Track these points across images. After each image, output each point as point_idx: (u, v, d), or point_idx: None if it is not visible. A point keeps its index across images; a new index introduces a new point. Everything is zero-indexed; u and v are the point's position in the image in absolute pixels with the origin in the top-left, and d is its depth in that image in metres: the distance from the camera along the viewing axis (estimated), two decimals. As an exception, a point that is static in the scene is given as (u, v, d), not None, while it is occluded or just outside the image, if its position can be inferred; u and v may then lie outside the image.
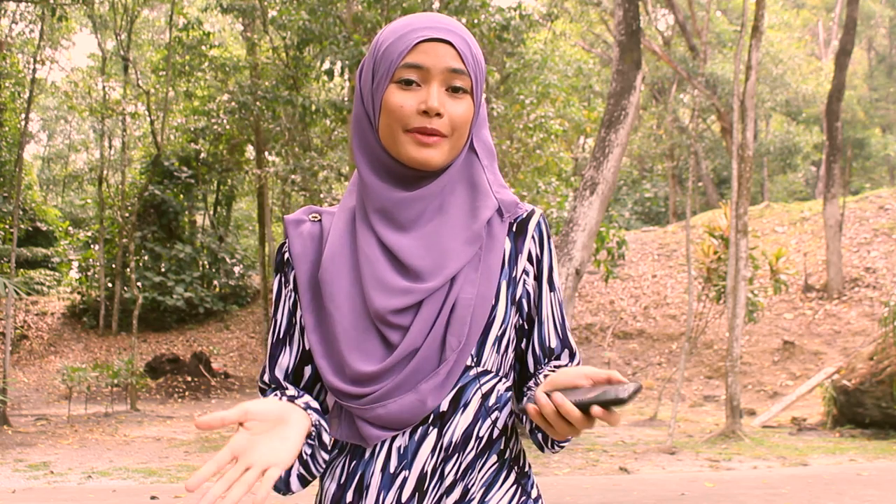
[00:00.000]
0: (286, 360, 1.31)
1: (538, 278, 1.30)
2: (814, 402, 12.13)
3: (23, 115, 19.33)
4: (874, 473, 7.40)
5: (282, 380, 1.31)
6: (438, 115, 1.21)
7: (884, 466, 7.97)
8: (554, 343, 1.31)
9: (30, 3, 16.69)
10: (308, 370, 1.31)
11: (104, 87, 21.44)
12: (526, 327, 1.30)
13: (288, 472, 1.23)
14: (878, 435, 9.99)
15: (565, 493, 6.47)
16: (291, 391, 1.27)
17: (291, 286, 1.31)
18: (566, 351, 1.32)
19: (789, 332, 16.21)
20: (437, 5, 11.68)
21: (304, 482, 1.26)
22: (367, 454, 1.25)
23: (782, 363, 15.27)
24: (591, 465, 8.41)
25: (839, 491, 6.50)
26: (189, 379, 16.67)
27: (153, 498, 6.57)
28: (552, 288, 1.31)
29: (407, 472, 1.22)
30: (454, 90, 1.23)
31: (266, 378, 1.33)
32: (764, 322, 16.27)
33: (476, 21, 11.68)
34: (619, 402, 1.05)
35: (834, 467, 7.95)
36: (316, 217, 1.33)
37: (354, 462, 1.26)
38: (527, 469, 1.32)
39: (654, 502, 6.21)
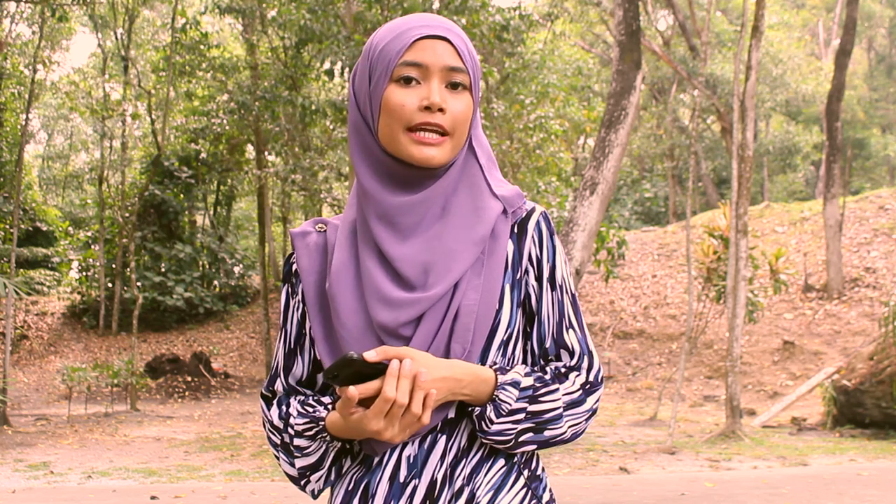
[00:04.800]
0: (299, 369, 1.33)
1: (537, 278, 1.28)
2: (814, 402, 12.13)
3: (23, 116, 19.33)
4: (874, 473, 7.40)
5: (297, 387, 1.34)
6: (441, 110, 1.20)
7: (884, 466, 7.97)
8: (548, 343, 1.27)
9: (30, 4, 16.69)
10: (321, 378, 1.33)
11: (104, 88, 21.44)
12: (528, 328, 1.29)
13: (326, 487, 1.31)
14: (878, 435, 9.99)
15: (565, 493, 6.47)
16: (309, 394, 1.32)
17: (299, 297, 1.32)
18: (564, 352, 1.27)
19: (789, 332, 16.21)
20: (437, 5, 11.68)
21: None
22: (375, 463, 1.25)
23: (782, 363, 15.27)
24: (591, 465, 8.41)
25: (839, 491, 6.50)
26: (189, 379, 16.66)
27: (153, 498, 6.56)
28: (553, 287, 1.28)
29: (417, 480, 1.21)
30: (453, 87, 1.22)
31: (278, 387, 1.34)
32: (764, 322, 16.27)
33: (476, 21, 11.67)
34: (344, 363, 1.09)
35: (834, 467, 7.95)
36: (322, 228, 1.33)
37: (363, 471, 1.27)
38: (539, 473, 1.29)
39: (654, 502, 6.21)
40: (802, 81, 26.81)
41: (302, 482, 1.31)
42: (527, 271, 1.27)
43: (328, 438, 1.25)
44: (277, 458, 1.33)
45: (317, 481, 1.30)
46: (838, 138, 17.13)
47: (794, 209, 22.12)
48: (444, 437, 1.22)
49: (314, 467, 1.28)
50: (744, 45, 10.97)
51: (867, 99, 32.95)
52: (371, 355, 1.11)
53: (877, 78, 35.15)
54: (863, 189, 28.26)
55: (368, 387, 1.12)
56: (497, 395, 1.19)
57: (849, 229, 18.94)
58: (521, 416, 1.20)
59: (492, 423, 1.19)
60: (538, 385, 1.22)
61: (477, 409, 1.20)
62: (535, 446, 1.23)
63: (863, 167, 31.98)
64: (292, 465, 1.30)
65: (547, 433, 1.22)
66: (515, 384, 1.20)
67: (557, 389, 1.23)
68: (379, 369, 1.13)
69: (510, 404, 1.19)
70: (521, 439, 1.21)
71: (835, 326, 16.01)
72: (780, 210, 22.41)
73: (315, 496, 1.32)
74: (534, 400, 1.21)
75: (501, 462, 1.25)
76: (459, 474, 1.22)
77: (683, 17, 21.40)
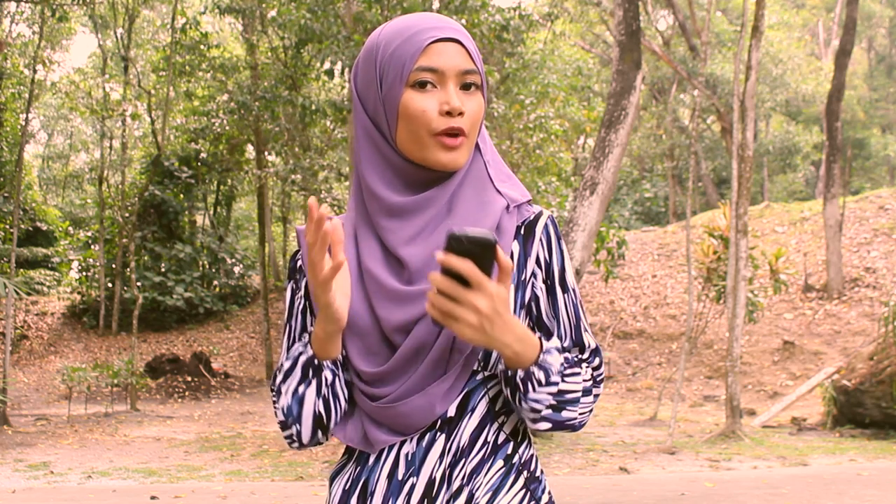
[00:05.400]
0: None
1: (548, 281, 1.28)
2: (814, 402, 12.13)
3: (23, 116, 19.33)
4: (874, 473, 7.40)
5: None
6: (461, 113, 1.21)
7: (884, 466, 7.97)
8: (566, 343, 1.29)
9: (30, 4, 16.68)
10: None
11: (104, 88, 21.45)
12: (536, 330, 1.29)
13: (300, 412, 1.23)
14: (878, 435, 9.99)
15: (565, 493, 6.47)
16: None
17: (302, 292, 1.32)
18: (577, 349, 1.30)
19: (789, 332, 16.21)
20: (437, 5, 11.68)
21: (320, 427, 1.25)
22: (372, 460, 1.25)
23: (782, 363, 15.27)
24: (591, 465, 8.41)
25: (839, 491, 6.50)
26: (189, 379, 16.66)
27: (153, 498, 6.57)
28: (565, 290, 1.29)
29: (415, 478, 1.21)
30: (466, 87, 1.23)
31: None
32: (764, 322, 16.27)
33: (476, 21, 11.67)
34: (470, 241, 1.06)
35: (834, 467, 7.95)
36: None
37: (360, 468, 1.27)
38: (538, 474, 1.29)
39: (654, 502, 6.21)
40: (802, 81, 26.82)
41: (278, 397, 1.26)
42: (533, 274, 1.28)
43: (306, 342, 1.23)
44: (284, 436, 1.29)
45: (286, 392, 1.24)
46: (838, 138, 17.13)
47: (794, 209, 22.12)
48: (443, 436, 1.22)
49: (287, 373, 1.24)
50: (744, 45, 10.97)
51: (867, 99, 32.96)
52: (501, 255, 1.09)
53: (877, 78, 35.16)
54: (863, 189, 28.26)
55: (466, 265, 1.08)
56: (544, 359, 1.19)
57: (849, 229, 18.94)
58: (555, 389, 1.21)
59: (539, 385, 1.19)
60: (566, 364, 1.23)
61: (521, 372, 1.19)
62: (549, 425, 1.23)
63: (863, 167, 31.99)
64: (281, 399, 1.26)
65: (564, 414, 1.23)
66: (559, 350, 1.22)
67: (579, 373, 1.25)
68: (484, 270, 1.09)
69: (554, 368, 1.20)
70: (543, 414, 1.22)
71: (835, 326, 16.01)
72: (780, 210, 22.41)
73: (285, 414, 1.25)
74: (563, 377, 1.22)
75: (500, 463, 1.25)
76: (458, 474, 1.22)
77: (683, 17, 21.40)
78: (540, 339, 1.21)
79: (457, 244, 1.07)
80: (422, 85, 1.21)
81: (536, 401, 1.20)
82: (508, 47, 13.40)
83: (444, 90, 1.21)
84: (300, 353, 1.23)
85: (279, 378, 1.26)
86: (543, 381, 1.19)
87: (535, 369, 1.19)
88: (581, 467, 8.28)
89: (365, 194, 1.26)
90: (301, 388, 1.23)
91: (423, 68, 1.20)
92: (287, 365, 1.24)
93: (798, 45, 29.65)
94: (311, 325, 1.32)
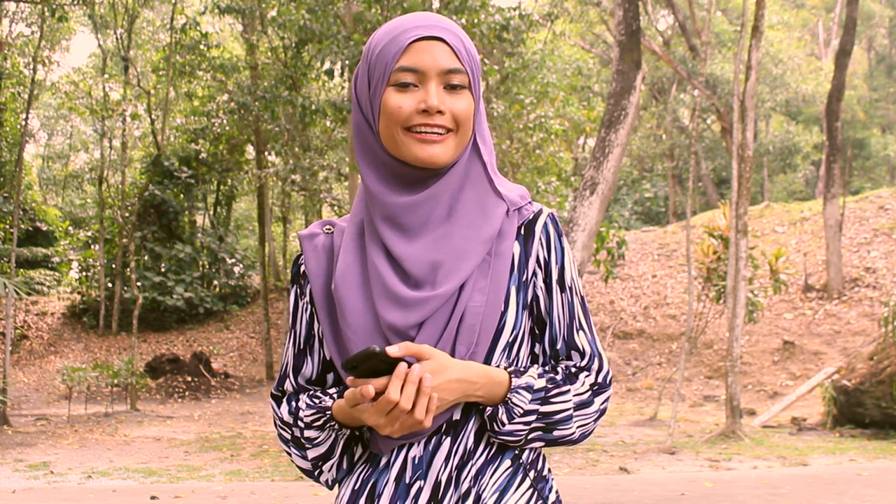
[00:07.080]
0: (309, 369, 1.34)
1: (546, 281, 1.28)
2: (814, 402, 12.13)
3: (23, 116, 19.33)
4: (874, 473, 7.40)
5: (306, 386, 1.35)
6: (440, 112, 1.20)
7: (884, 466, 7.97)
8: (559, 345, 1.28)
9: (30, 4, 16.69)
10: (330, 377, 1.34)
11: (104, 88, 21.44)
12: (537, 330, 1.29)
13: (343, 476, 1.32)
14: (878, 435, 9.99)
15: (565, 493, 6.47)
16: (318, 389, 1.32)
17: (307, 298, 1.32)
18: (575, 353, 1.28)
19: (789, 332, 16.21)
20: (436, 5, 11.67)
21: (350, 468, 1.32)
22: (382, 463, 1.25)
23: (782, 363, 15.26)
24: (591, 465, 8.41)
25: (839, 491, 6.50)
26: (189, 379, 16.66)
27: (153, 498, 6.57)
28: (562, 289, 1.28)
29: (422, 482, 1.22)
30: (452, 87, 1.22)
31: (287, 386, 1.35)
32: (764, 322, 16.26)
33: (476, 21, 11.67)
34: (367, 356, 1.10)
35: (834, 467, 7.95)
36: (329, 229, 1.33)
37: (370, 470, 1.27)
38: (545, 473, 1.30)
39: (654, 502, 6.21)
40: (802, 81, 26.81)
41: (315, 473, 1.32)
42: (534, 274, 1.27)
43: (336, 427, 1.26)
44: (290, 455, 1.33)
45: (329, 470, 1.30)
46: (838, 138, 17.13)
47: (794, 209, 22.11)
48: (448, 439, 1.23)
49: (325, 456, 1.29)
50: (744, 45, 10.97)
51: (867, 99, 32.94)
52: (394, 350, 1.12)
53: (877, 78, 35.14)
54: (863, 189, 28.26)
55: (381, 382, 1.13)
56: (510, 398, 1.20)
57: (849, 229, 18.93)
58: (533, 417, 1.21)
59: (504, 424, 1.21)
60: (550, 386, 1.23)
61: (489, 409, 1.21)
62: (542, 444, 1.25)
63: (863, 167, 31.98)
64: (304, 457, 1.31)
65: (556, 433, 1.24)
66: (529, 388, 1.21)
67: (568, 391, 1.24)
68: (396, 365, 1.13)
69: (522, 408, 1.21)
70: (530, 437, 1.23)
71: (835, 326, 16.01)
72: (780, 210, 22.40)
73: (330, 486, 1.33)
74: (545, 401, 1.22)
75: (507, 463, 1.25)
76: (466, 476, 1.22)
77: (683, 17, 21.39)
78: (511, 375, 1.21)
79: (355, 371, 1.12)
80: (403, 85, 1.20)
81: (510, 433, 1.22)
82: (508, 47, 13.40)
83: (424, 89, 1.21)
84: (335, 437, 1.27)
85: (314, 453, 1.30)
86: (507, 421, 1.20)
87: (500, 410, 1.20)
88: (581, 467, 8.28)
89: (366, 195, 1.26)
90: (345, 464, 1.31)
91: (402, 68, 1.20)
92: (323, 450, 1.29)
93: (798, 45, 29.64)
94: (317, 332, 1.32)
